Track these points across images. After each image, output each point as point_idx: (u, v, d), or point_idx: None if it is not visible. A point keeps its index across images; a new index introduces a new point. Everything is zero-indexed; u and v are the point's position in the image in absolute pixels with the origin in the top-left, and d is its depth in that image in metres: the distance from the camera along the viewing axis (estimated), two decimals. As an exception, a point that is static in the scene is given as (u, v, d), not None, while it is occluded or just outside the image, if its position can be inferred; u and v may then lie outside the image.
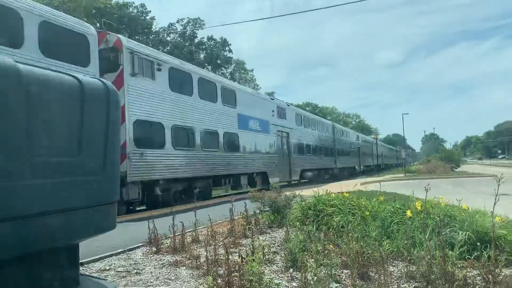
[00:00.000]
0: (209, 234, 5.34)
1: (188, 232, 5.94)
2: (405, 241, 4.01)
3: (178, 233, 5.39)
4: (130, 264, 4.76)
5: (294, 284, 3.65)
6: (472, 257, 3.79)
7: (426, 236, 3.13)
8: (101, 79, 3.21)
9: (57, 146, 2.74)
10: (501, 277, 2.74)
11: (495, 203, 2.84)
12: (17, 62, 2.47)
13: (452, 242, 3.81)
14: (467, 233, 4.04)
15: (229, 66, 53.06)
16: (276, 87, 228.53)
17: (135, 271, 4.42)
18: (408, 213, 4.58)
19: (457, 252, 3.44)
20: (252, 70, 57.76)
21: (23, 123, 2.40)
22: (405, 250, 3.93)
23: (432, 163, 37.73)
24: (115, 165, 3.26)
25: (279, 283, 3.68)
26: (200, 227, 6.37)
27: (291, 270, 4.10)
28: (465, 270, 3.39)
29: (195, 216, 5.85)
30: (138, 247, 5.72)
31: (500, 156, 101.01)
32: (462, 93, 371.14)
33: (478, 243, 3.84)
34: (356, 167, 39.85)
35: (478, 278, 3.32)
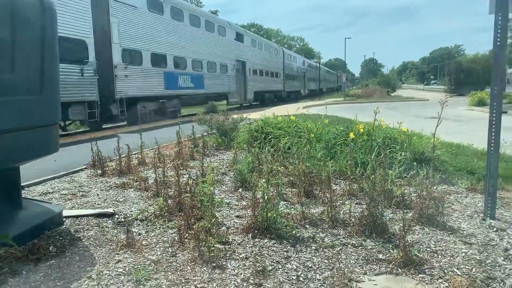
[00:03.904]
0: (156, 156, 5.28)
1: (133, 154, 5.83)
2: (348, 162, 4.22)
3: (124, 156, 5.27)
4: (75, 186, 4.64)
5: (244, 203, 3.78)
6: (409, 176, 4.10)
7: (372, 157, 3.31)
8: None
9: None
10: (435, 193, 3.01)
11: (437, 126, 3.01)
12: None
13: (392, 162, 4.08)
14: (406, 153, 4.34)
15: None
16: (220, 5, 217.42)
17: (81, 193, 4.32)
18: (351, 135, 4.80)
19: (396, 171, 3.69)
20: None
21: None
22: (348, 169, 4.14)
23: (370, 87, 39.31)
24: (55, 85, 2.98)
25: (230, 202, 3.80)
26: (146, 149, 6.27)
27: (240, 190, 4.23)
28: (403, 188, 3.69)
29: (141, 138, 5.72)
30: (82, 169, 5.55)
31: (432, 82, 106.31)
32: (405, 18, 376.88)
33: (415, 163, 4.16)
34: (302, 91, 42.43)
35: (413, 195, 3.63)
